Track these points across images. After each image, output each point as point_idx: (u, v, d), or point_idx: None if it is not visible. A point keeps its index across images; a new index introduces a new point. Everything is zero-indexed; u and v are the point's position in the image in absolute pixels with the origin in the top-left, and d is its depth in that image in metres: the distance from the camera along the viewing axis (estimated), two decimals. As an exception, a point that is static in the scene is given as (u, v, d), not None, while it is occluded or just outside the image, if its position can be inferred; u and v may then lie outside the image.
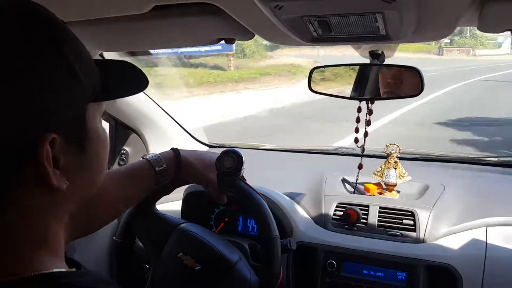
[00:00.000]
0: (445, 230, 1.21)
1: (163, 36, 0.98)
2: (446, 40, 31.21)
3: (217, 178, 0.98)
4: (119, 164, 1.68)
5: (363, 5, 0.65)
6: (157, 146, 1.68)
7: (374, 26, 0.73)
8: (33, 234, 0.48)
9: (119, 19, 0.81)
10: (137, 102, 1.62)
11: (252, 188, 0.97)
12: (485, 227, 1.20)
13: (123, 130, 1.67)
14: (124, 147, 1.68)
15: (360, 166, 1.29)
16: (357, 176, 1.35)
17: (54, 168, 0.47)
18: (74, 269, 0.51)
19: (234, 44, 1.00)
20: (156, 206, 1.12)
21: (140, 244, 1.20)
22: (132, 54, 1.16)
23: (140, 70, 0.60)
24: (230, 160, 0.98)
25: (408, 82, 1.09)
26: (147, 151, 1.67)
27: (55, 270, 0.47)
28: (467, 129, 7.42)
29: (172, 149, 0.99)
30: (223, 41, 0.97)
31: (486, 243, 1.16)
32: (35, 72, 0.45)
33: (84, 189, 0.54)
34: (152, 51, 1.31)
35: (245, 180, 1.00)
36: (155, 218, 1.09)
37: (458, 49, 33.26)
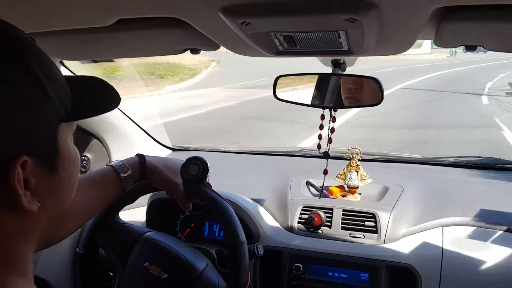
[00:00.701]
0: (404, 231, 1.26)
1: (127, 47, 0.97)
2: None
3: (183, 185, 0.98)
4: (81, 171, 1.63)
5: (327, 24, 0.66)
6: (120, 152, 1.65)
7: (338, 42, 0.76)
8: (1, 257, 0.47)
9: (83, 31, 0.79)
10: None
11: (218, 194, 0.98)
12: (441, 227, 1.26)
13: (84, 136, 1.63)
14: (85, 154, 1.64)
15: (325, 172, 1.33)
16: (323, 181, 1.39)
17: (25, 190, 0.46)
18: None
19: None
20: (120, 215, 1.11)
21: (102, 252, 1.18)
22: (94, 61, 1.14)
23: (111, 86, 0.58)
24: (196, 167, 0.98)
25: (368, 90, 1.13)
26: (109, 157, 1.63)
27: None
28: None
29: (137, 155, 0.98)
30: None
31: (442, 242, 1.22)
32: (1, 93, 0.43)
33: (54, 210, 0.53)
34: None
35: (211, 186, 1.01)
36: (118, 228, 1.08)
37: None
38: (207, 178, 1.00)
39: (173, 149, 1.96)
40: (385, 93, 1.04)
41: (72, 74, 1.09)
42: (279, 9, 0.62)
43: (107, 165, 0.94)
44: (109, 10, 0.70)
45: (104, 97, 0.58)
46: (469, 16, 0.63)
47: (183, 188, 0.98)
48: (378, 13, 0.61)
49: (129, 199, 1.07)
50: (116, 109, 1.64)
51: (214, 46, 0.89)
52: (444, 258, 1.19)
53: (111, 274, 1.37)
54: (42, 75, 0.47)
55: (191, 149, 1.99)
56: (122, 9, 0.70)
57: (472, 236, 1.24)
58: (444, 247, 1.21)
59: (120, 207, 1.08)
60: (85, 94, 0.55)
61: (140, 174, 0.96)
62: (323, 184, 1.40)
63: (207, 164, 0.99)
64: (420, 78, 15.27)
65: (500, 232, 1.23)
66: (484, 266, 1.16)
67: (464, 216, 1.27)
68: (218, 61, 16.45)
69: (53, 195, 0.51)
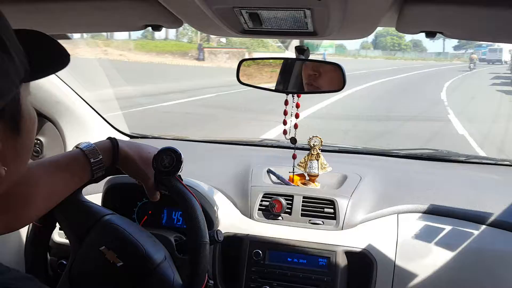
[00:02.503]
0: (362, 217, 1.29)
1: (85, 20, 0.93)
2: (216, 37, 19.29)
3: (154, 175, 0.95)
4: (33, 155, 1.55)
5: (293, 0, 0.66)
6: (75, 136, 1.59)
7: (303, 22, 0.76)
8: None
9: (39, 0, 0.75)
10: (51, 88, 1.51)
11: (188, 189, 0.96)
12: (396, 214, 1.30)
13: (38, 119, 1.55)
14: (38, 137, 1.56)
15: (294, 156, 1.33)
16: (293, 166, 1.40)
17: None
18: None
19: None
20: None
21: (56, 240, 1.13)
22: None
23: (57, 42, 0.57)
24: (169, 159, 0.95)
25: (327, 76, 1.15)
26: (64, 141, 1.57)
27: None
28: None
29: (109, 138, 0.94)
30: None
31: (397, 229, 1.26)
32: None
33: (16, 173, 0.52)
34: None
35: (182, 180, 0.98)
36: (80, 205, 1.02)
37: (229, 51, 21.21)
38: (180, 171, 0.97)
39: (131, 136, 1.91)
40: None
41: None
42: None
43: (76, 147, 0.90)
44: None
45: (54, 54, 0.56)
46: None
47: (153, 179, 0.95)
48: None
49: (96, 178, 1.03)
50: (72, 91, 1.58)
51: (176, 23, 0.87)
52: (398, 244, 1.23)
53: (64, 262, 1.32)
54: (3, 33, 0.45)
55: (149, 136, 1.94)
56: None
57: (425, 223, 1.28)
58: (399, 234, 1.25)
59: (85, 184, 1.03)
60: (37, 52, 0.53)
61: (112, 161, 0.92)
62: (293, 170, 1.41)
63: (181, 155, 0.95)
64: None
65: (450, 219, 1.29)
66: (436, 252, 1.21)
67: (417, 204, 1.32)
68: None
69: (17, 158, 0.51)
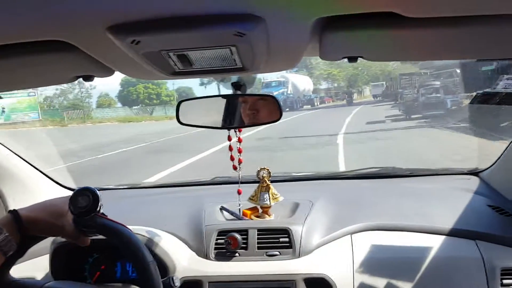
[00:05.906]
0: (317, 242, 1.31)
1: (12, 77, 0.91)
2: None
3: (74, 220, 0.93)
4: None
5: (217, 40, 0.69)
6: (18, 198, 1.52)
7: (231, 59, 0.78)
8: None
9: None
10: None
11: (115, 222, 0.94)
12: (349, 235, 1.33)
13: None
14: (-25, 204, 1.47)
15: (239, 192, 1.36)
16: (239, 201, 1.41)
17: None
18: None
19: None
20: (17, 269, 1.00)
21: None
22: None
23: None
24: (85, 199, 0.93)
25: (265, 109, 1.19)
26: (6, 206, 1.49)
27: None
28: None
29: (10, 211, 0.93)
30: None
31: (352, 249, 1.28)
32: None
33: None
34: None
35: (106, 216, 0.96)
36: (12, 286, 0.97)
37: None
38: (99, 208, 0.95)
39: None
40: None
41: None
42: (168, 25, 0.63)
43: None
44: None
45: None
46: (348, 25, 0.69)
47: (72, 225, 0.94)
48: (264, 26, 0.65)
49: (17, 253, 0.97)
50: (9, 151, 1.52)
51: (107, 72, 0.87)
52: (355, 263, 1.25)
53: None
54: None
55: (97, 189, 1.88)
56: (2, 33, 0.66)
57: (378, 240, 1.32)
58: (354, 253, 1.27)
59: (10, 264, 0.98)
60: None
61: (19, 232, 0.90)
62: (239, 205, 1.42)
63: (96, 193, 0.94)
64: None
65: (401, 233, 1.33)
66: (392, 267, 1.24)
67: (368, 222, 1.36)
68: None
69: None
